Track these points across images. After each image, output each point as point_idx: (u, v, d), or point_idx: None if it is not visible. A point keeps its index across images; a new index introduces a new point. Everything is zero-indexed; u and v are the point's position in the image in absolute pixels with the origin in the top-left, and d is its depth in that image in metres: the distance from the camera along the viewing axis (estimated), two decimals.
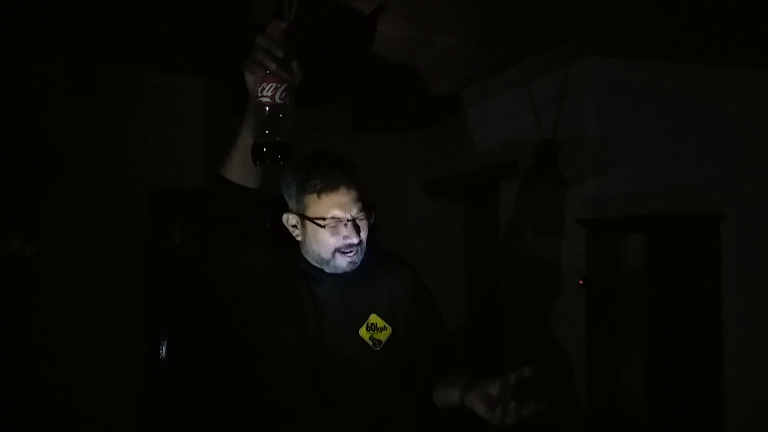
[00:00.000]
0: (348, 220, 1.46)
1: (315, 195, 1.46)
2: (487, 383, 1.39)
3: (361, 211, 1.48)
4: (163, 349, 3.36)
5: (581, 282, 2.73)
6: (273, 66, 1.13)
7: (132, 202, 3.25)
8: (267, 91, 1.14)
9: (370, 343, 1.55)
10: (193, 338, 3.32)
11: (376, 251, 1.59)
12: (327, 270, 1.52)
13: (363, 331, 1.55)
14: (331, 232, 1.46)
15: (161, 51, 3.05)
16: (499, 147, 3.40)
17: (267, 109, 1.14)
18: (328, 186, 1.45)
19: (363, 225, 1.50)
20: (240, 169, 1.34)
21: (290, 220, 1.53)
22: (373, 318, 1.57)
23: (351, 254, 1.48)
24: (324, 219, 1.46)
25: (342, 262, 1.49)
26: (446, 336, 1.72)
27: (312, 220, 1.47)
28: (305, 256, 1.55)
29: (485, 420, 1.35)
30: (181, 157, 3.32)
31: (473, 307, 3.87)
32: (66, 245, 3.09)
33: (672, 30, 2.35)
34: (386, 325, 1.57)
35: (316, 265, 1.53)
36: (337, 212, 1.45)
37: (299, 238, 1.54)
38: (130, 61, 3.18)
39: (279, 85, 1.14)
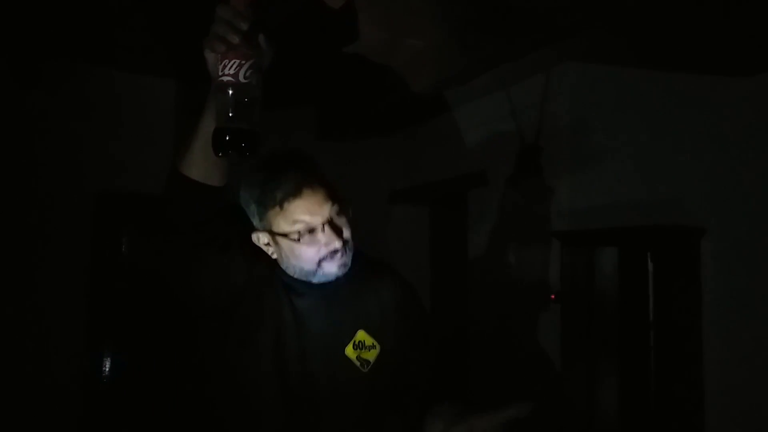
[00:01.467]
0: (323, 225, 1.29)
1: (277, 207, 1.29)
2: (473, 420, 1.26)
3: (335, 209, 1.32)
4: (107, 364, 3.13)
5: (553, 297, 2.64)
6: (236, 39, 1.00)
7: (77, 206, 3.04)
8: (229, 69, 1.02)
9: (358, 363, 1.38)
10: (142, 356, 3.10)
11: (362, 257, 1.42)
12: (315, 281, 1.34)
13: (350, 350, 1.38)
14: (308, 243, 1.30)
15: (111, 46, 2.86)
16: (467, 156, 3.31)
17: (230, 90, 1.01)
18: (289, 194, 1.28)
19: (342, 223, 1.33)
20: (201, 163, 1.19)
21: (261, 239, 1.35)
22: (361, 335, 1.40)
23: (339, 257, 1.32)
24: (296, 232, 1.28)
25: (331, 269, 1.32)
26: (439, 348, 1.56)
27: (282, 236, 1.29)
28: (286, 271, 1.36)
29: None
30: (132, 159, 3.12)
31: (438, 323, 3.75)
32: (3, 251, 2.86)
33: (654, 35, 2.27)
34: (375, 344, 1.41)
35: (299, 277, 1.35)
36: (307, 219, 1.29)
37: (275, 257, 1.36)
38: (76, 55, 2.97)
39: (243, 62, 1.01)
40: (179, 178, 1.21)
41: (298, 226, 1.28)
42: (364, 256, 1.46)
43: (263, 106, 1.06)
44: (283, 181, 1.28)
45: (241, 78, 1.01)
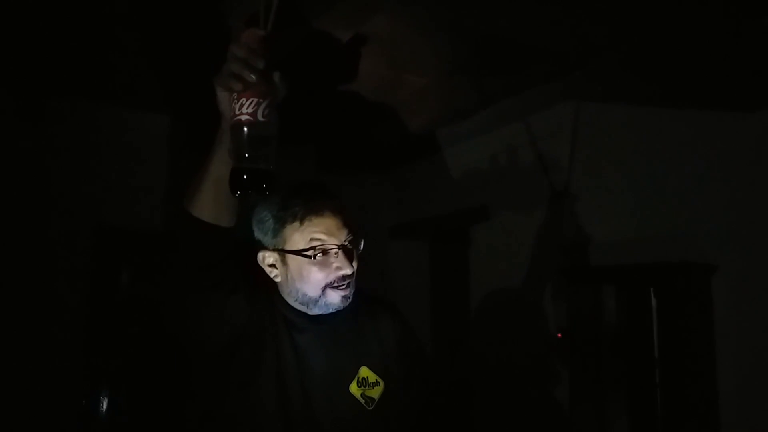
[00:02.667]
0: (338, 247, 1.28)
1: (297, 223, 1.29)
2: None
3: (350, 238, 1.31)
4: (104, 405, 3.03)
5: (560, 335, 2.59)
6: (253, 78, 0.99)
7: (75, 242, 2.98)
8: (247, 108, 1.00)
9: (362, 401, 1.34)
10: (141, 398, 3.01)
11: (361, 294, 1.40)
12: (313, 311, 1.33)
13: (354, 387, 1.35)
14: (320, 265, 1.29)
15: (114, 83, 2.84)
16: (469, 191, 3.30)
17: (247, 128, 0.99)
18: (312, 211, 1.29)
19: (354, 254, 1.32)
20: (212, 204, 1.16)
21: (267, 258, 1.33)
22: (364, 371, 1.37)
23: (344, 288, 1.31)
24: (311, 249, 1.28)
25: (334, 298, 1.31)
26: (441, 381, 1.56)
27: (297, 253, 1.28)
28: (286, 299, 1.34)
29: None
30: (133, 196, 3.09)
31: (440, 363, 3.68)
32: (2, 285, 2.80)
33: (659, 70, 2.27)
34: (378, 380, 1.38)
35: (299, 308, 1.33)
36: (324, 238, 1.28)
37: (278, 279, 1.34)
38: (79, 92, 2.96)
39: (261, 101, 1.00)
40: (189, 219, 1.17)
41: (314, 244, 1.28)
42: (363, 293, 1.43)
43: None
44: (308, 199, 1.30)
45: (259, 116, 1.00)
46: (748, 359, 2.11)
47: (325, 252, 1.28)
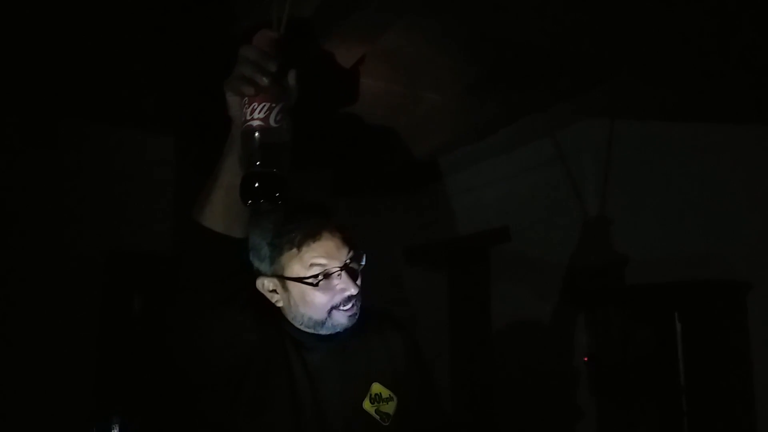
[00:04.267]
0: (340, 269, 1.23)
1: (294, 250, 1.22)
2: None
3: (351, 256, 1.26)
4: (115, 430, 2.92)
5: (586, 359, 2.50)
6: (265, 82, 0.93)
7: (88, 266, 2.95)
8: (259, 113, 0.95)
9: (377, 417, 1.30)
10: (152, 423, 2.94)
11: (365, 308, 1.34)
12: (321, 332, 1.28)
13: (367, 404, 1.30)
14: (323, 289, 1.23)
15: (123, 106, 2.84)
16: (489, 212, 3.25)
17: (258, 134, 0.94)
18: (309, 236, 1.22)
19: (357, 272, 1.27)
20: (223, 214, 1.09)
21: (267, 285, 1.27)
22: (376, 387, 1.32)
23: (350, 307, 1.25)
24: (313, 277, 1.22)
25: (341, 319, 1.25)
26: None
27: (297, 280, 1.23)
28: (292, 322, 1.29)
29: None
30: (145, 219, 3.06)
31: (460, 391, 3.58)
32: (12, 310, 2.78)
33: (681, 84, 2.21)
34: (392, 395, 1.33)
35: (305, 330, 1.29)
36: (324, 262, 1.23)
37: (281, 304, 1.28)
38: (89, 115, 2.95)
39: (273, 105, 0.95)
40: (200, 230, 1.11)
41: (315, 270, 1.22)
42: (369, 308, 1.38)
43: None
44: (302, 223, 1.23)
45: (271, 122, 0.95)
46: None
47: (327, 275, 1.23)
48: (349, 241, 1.27)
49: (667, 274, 2.33)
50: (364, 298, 1.30)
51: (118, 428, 2.91)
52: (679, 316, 2.18)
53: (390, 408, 1.32)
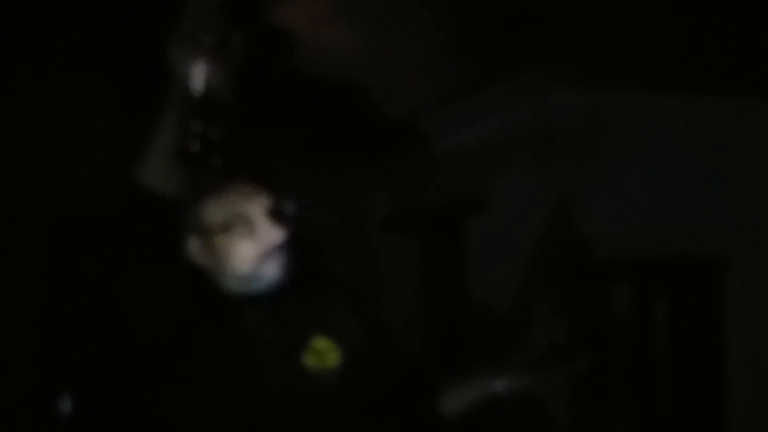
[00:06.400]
0: (262, 213, 1.24)
1: (212, 199, 1.24)
2: (514, 363, 1.36)
3: (274, 201, 1.26)
4: (62, 403, 2.91)
5: (563, 334, 2.44)
6: (210, 39, 0.96)
7: (26, 228, 2.85)
8: (202, 72, 0.97)
9: (319, 370, 1.31)
10: (97, 395, 2.87)
11: (305, 266, 1.36)
12: (255, 287, 1.26)
13: (309, 359, 1.31)
14: (246, 237, 1.23)
15: (56, 55, 2.71)
16: (464, 180, 3.22)
17: (201, 94, 0.97)
18: (225, 182, 1.24)
19: (282, 218, 1.27)
20: (164, 173, 1.11)
21: (192, 243, 1.26)
22: (317, 342, 1.33)
23: (279, 255, 1.25)
24: (232, 223, 1.23)
25: (271, 269, 1.24)
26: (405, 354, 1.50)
27: (218, 230, 1.23)
28: (222, 281, 1.28)
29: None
30: (80, 176, 2.95)
31: (429, 363, 3.54)
32: None
33: (667, 55, 2.19)
34: (335, 348, 1.33)
35: (238, 288, 1.27)
36: (244, 209, 1.23)
37: (208, 264, 1.28)
38: (23, 65, 2.79)
39: (218, 64, 0.97)
40: (140, 189, 1.13)
41: (234, 215, 1.23)
42: (307, 265, 1.40)
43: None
44: (220, 174, 1.21)
45: (215, 82, 0.98)
46: (760, 360, 2.02)
47: (248, 222, 1.24)
48: (271, 188, 1.28)
49: (647, 249, 2.34)
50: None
51: (65, 398, 2.91)
52: (659, 293, 2.23)
53: (332, 359, 1.32)
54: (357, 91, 2.92)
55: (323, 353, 1.32)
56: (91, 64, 2.78)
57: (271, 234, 1.24)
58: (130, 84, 2.87)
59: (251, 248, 1.23)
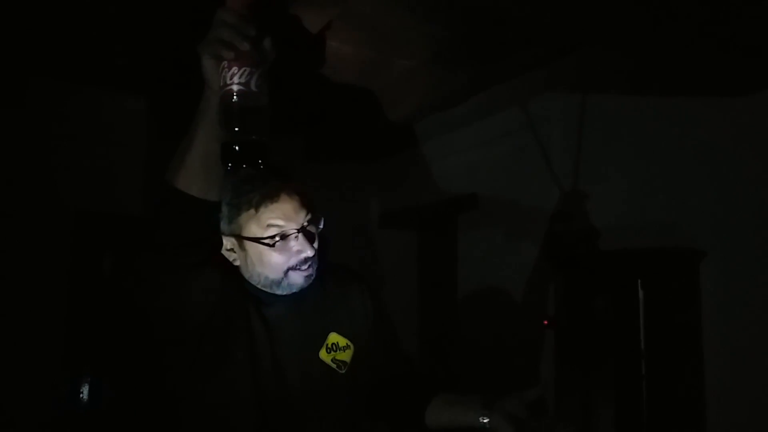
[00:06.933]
0: (297, 231, 1.27)
1: (252, 210, 1.26)
2: (507, 403, 1.28)
3: (309, 218, 1.30)
4: (85, 391, 2.99)
5: (546, 322, 2.55)
6: (246, 46, 0.94)
7: (56, 226, 2.92)
8: (239, 78, 0.95)
9: (334, 365, 1.37)
10: (122, 382, 2.97)
11: (326, 263, 1.41)
12: (278, 292, 1.32)
13: (323, 354, 1.36)
14: (280, 250, 1.27)
15: (94, 65, 2.78)
16: (458, 179, 3.27)
17: (238, 98, 0.95)
18: (267, 197, 1.26)
19: (314, 235, 1.32)
20: (200, 178, 1.10)
21: (225, 243, 1.30)
22: (333, 337, 1.39)
23: (306, 268, 1.29)
24: (269, 237, 1.26)
25: (297, 279, 1.30)
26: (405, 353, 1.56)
27: (255, 240, 1.26)
28: (249, 281, 1.33)
29: None
30: (116, 180, 3.03)
31: (426, 350, 3.65)
32: None
33: (646, 55, 2.24)
34: (349, 344, 1.39)
35: (262, 288, 1.33)
36: (282, 224, 1.26)
37: (238, 263, 1.32)
38: (59, 74, 2.89)
39: (253, 70, 0.96)
40: (176, 194, 1.11)
41: (272, 231, 1.26)
42: (329, 262, 1.44)
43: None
44: (260, 184, 1.26)
45: (252, 87, 0.96)
46: (735, 348, 2.09)
47: (283, 237, 1.27)
48: (306, 204, 1.31)
49: (629, 242, 2.36)
50: (334, 258, 1.38)
51: (88, 386, 2.99)
52: (641, 284, 2.21)
53: (347, 356, 1.38)
54: (355, 97, 2.95)
55: (339, 348, 1.38)
56: (127, 73, 2.84)
57: (305, 248, 1.27)
58: (165, 92, 2.94)
59: (283, 260, 1.28)
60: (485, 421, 1.27)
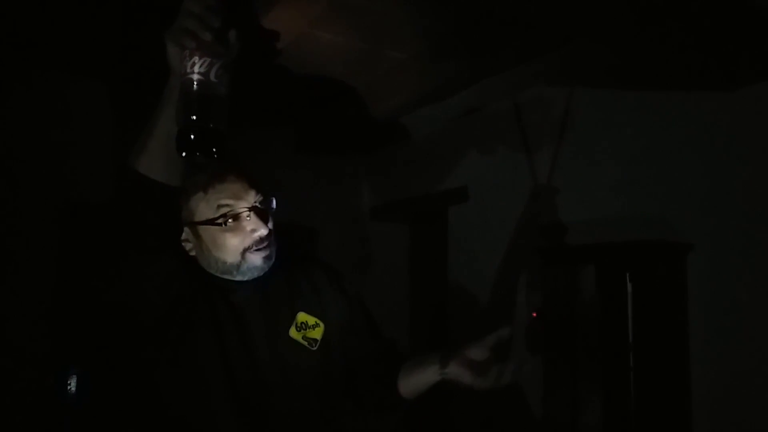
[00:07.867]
0: (248, 210, 1.25)
1: (201, 192, 1.25)
2: (466, 350, 1.28)
3: (260, 198, 1.28)
4: (72, 383, 2.97)
5: (534, 314, 2.57)
6: (208, 37, 0.95)
7: (36, 217, 2.86)
8: (199, 67, 0.97)
9: (305, 343, 1.35)
10: (105, 371, 2.88)
11: (286, 250, 1.39)
12: (237, 278, 1.30)
13: (293, 332, 1.35)
14: (233, 230, 1.25)
15: (57, 51, 2.69)
16: (448, 172, 3.27)
17: (198, 87, 0.96)
18: (214, 177, 1.25)
19: (267, 213, 1.29)
20: (162, 162, 1.11)
21: (184, 233, 1.30)
22: (302, 316, 1.37)
23: (263, 248, 1.27)
24: (221, 217, 1.24)
25: (256, 261, 1.27)
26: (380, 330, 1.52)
27: (207, 223, 1.24)
28: (208, 270, 1.30)
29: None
30: (88, 168, 2.93)
31: (417, 340, 3.66)
32: None
33: (637, 49, 2.22)
34: (318, 321, 1.38)
35: (223, 276, 1.30)
36: (231, 203, 1.25)
37: (194, 253, 1.30)
38: (31, 62, 2.81)
39: (214, 61, 0.97)
40: (138, 178, 1.13)
41: (223, 211, 1.24)
42: (293, 251, 1.44)
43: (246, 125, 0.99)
44: (209, 169, 1.26)
45: (212, 77, 0.97)
46: (722, 340, 2.10)
47: (235, 217, 1.25)
48: (255, 185, 1.29)
49: (616, 234, 2.38)
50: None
51: (75, 379, 2.96)
52: (630, 276, 2.23)
53: (317, 334, 1.37)
54: (346, 89, 2.93)
55: (308, 327, 1.36)
56: (89, 59, 2.75)
57: (259, 226, 1.25)
58: (127, 78, 2.87)
59: (238, 241, 1.25)
60: (445, 371, 1.29)
